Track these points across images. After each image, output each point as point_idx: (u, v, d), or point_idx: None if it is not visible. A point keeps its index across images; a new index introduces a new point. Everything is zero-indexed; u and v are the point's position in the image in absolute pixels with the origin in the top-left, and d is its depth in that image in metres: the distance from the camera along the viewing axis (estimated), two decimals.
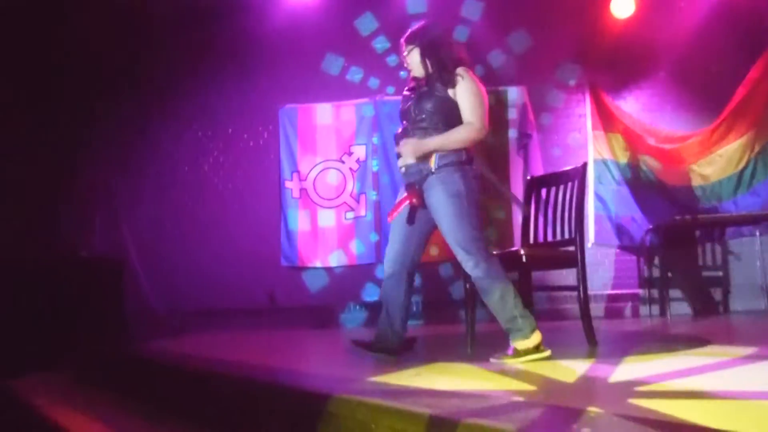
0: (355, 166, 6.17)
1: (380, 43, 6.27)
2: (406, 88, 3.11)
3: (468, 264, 2.84)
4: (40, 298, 4.85)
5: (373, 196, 6.11)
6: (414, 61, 2.99)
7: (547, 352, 2.82)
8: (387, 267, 3.04)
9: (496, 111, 6.08)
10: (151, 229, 6.22)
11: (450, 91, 2.92)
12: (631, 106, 6.06)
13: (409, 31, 3.09)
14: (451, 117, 2.89)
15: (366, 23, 6.26)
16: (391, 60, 6.25)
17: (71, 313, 4.97)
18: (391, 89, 6.24)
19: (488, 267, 2.82)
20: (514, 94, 6.08)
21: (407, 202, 2.93)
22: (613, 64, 5.89)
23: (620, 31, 5.84)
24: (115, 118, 6.19)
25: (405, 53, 3.04)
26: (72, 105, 5.80)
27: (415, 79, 3.05)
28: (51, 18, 5.46)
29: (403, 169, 2.97)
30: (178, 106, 6.33)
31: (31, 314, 4.72)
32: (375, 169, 6.13)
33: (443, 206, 2.84)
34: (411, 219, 2.91)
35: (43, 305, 4.83)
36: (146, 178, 6.35)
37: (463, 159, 2.88)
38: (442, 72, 2.92)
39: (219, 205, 6.32)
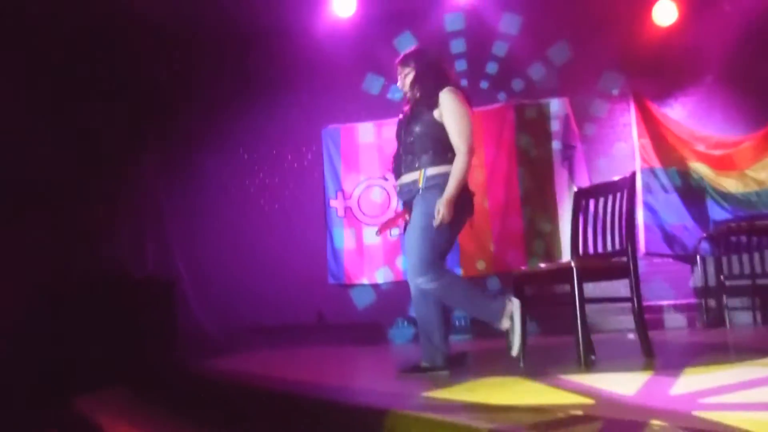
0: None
1: None
2: (401, 112, 3.23)
3: (419, 279, 2.95)
4: (97, 317, 5.00)
5: None
6: (407, 84, 3.16)
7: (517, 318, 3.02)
8: (410, 285, 3.14)
9: (539, 123, 6.06)
10: (201, 250, 6.37)
11: (435, 112, 3.03)
12: (677, 113, 5.95)
13: (404, 54, 3.22)
14: (438, 139, 3.01)
15: (405, 42, 6.29)
16: None
17: (126, 332, 5.11)
18: None
19: (441, 284, 2.95)
20: (556, 105, 6.05)
21: (402, 219, 3.15)
22: (658, 71, 5.80)
23: (663, 38, 5.77)
24: (165, 143, 6.39)
25: (401, 75, 3.18)
26: (124, 131, 6.00)
27: (408, 101, 3.21)
28: (103, 44, 5.67)
29: (398, 188, 3.15)
30: (224, 130, 6.49)
31: (89, 333, 4.86)
32: None
33: (416, 220, 2.99)
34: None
35: (100, 325, 4.97)
36: (195, 200, 6.52)
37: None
38: (427, 95, 3.06)
39: (266, 225, 6.43)
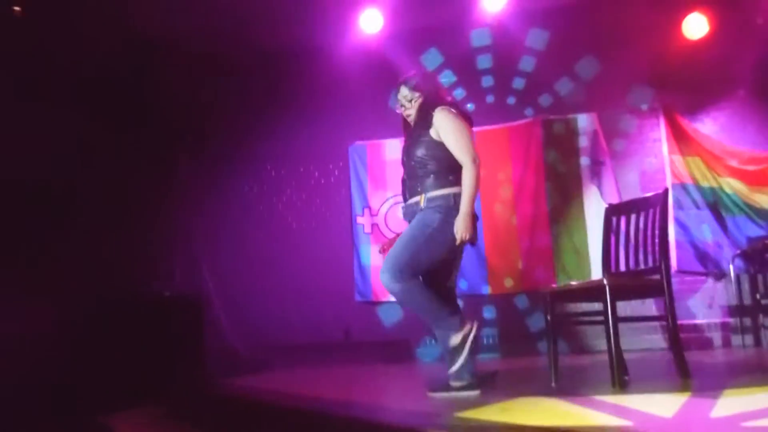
0: None
1: (446, 78, 6.33)
2: (406, 134, 3.26)
3: (385, 276, 2.95)
4: (127, 336, 5.04)
5: None
6: (415, 108, 3.16)
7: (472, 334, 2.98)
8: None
9: (567, 139, 6.01)
10: (229, 268, 6.40)
11: (432, 132, 3.05)
12: (709, 128, 5.86)
13: (412, 78, 3.22)
14: (439, 160, 3.04)
15: (431, 58, 6.35)
16: (457, 93, 6.30)
17: (155, 350, 5.14)
18: None
19: (403, 287, 2.94)
20: (584, 121, 5.99)
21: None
22: (688, 85, 5.72)
23: (694, 51, 5.69)
24: (194, 161, 6.47)
25: (406, 99, 3.17)
26: (155, 151, 6.10)
27: (407, 125, 3.24)
28: (136, 68, 5.79)
29: (403, 208, 3.22)
30: (252, 148, 6.55)
31: (120, 352, 4.90)
32: None
33: (409, 228, 3.04)
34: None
35: (130, 343, 5.01)
36: (223, 218, 6.57)
37: (451, 204, 3.01)
38: (422, 117, 3.09)
39: (293, 242, 6.45)
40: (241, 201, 6.61)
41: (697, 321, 5.55)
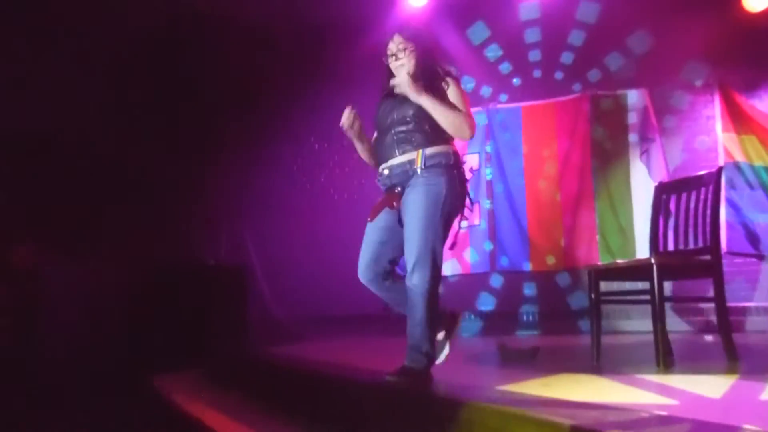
0: (468, 175, 6.10)
1: (492, 52, 6.24)
2: (383, 95, 2.86)
3: (414, 275, 2.57)
4: (173, 302, 5.21)
5: (486, 204, 6.06)
6: (404, 63, 2.72)
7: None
8: (367, 282, 2.83)
9: (615, 115, 5.87)
10: (272, 239, 6.50)
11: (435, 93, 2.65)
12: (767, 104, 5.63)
13: (407, 27, 2.87)
14: (434, 123, 2.62)
15: (478, 32, 6.25)
16: (504, 67, 6.20)
17: (200, 316, 5.30)
18: (503, 97, 6.19)
19: (432, 289, 2.57)
20: (634, 97, 5.83)
21: (387, 206, 2.71)
22: (746, 60, 5.48)
23: (754, 25, 5.44)
24: (240, 134, 6.54)
25: (399, 49, 2.73)
26: (204, 124, 6.20)
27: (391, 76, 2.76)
28: (186, 43, 5.87)
29: (386, 171, 2.72)
30: (297, 121, 6.58)
31: (166, 317, 5.07)
32: (488, 177, 6.09)
33: (418, 206, 2.58)
34: (400, 222, 2.67)
35: (176, 309, 5.17)
36: (267, 191, 6.65)
37: (451, 162, 2.63)
38: (425, 76, 2.69)
39: (335, 214, 6.49)
40: (285, 174, 6.67)
41: (747, 303, 5.40)
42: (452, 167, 2.63)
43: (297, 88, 6.52)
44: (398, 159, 2.68)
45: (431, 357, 2.63)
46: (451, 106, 2.63)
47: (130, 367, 4.22)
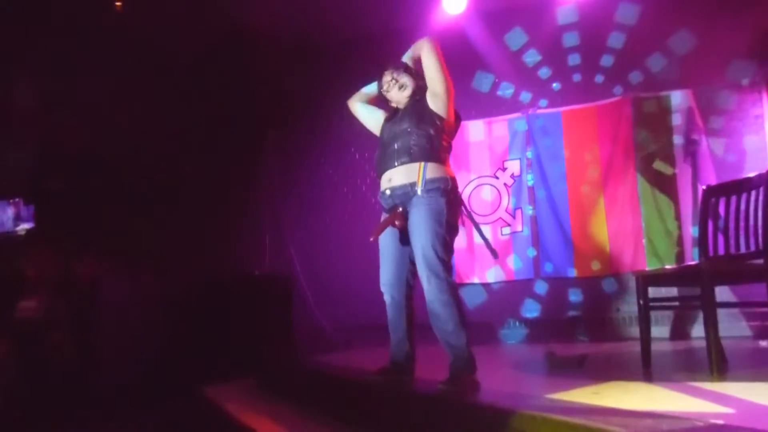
0: (510, 182, 6.13)
1: (531, 57, 6.21)
2: (386, 117, 3.15)
3: (431, 288, 2.74)
4: (222, 313, 5.32)
5: (529, 210, 6.03)
6: (404, 95, 3.07)
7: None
8: (385, 294, 3.04)
9: (659, 117, 5.77)
10: (315, 249, 6.59)
11: (427, 95, 2.98)
12: None
13: (395, 62, 3.19)
14: (431, 138, 2.88)
15: (515, 38, 6.24)
16: (543, 72, 6.17)
17: (249, 326, 5.40)
18: (543, 102, 6.15)
19: (450, 297, 2.73)
20: (678, 98, 5.73)
21: (390, 225, 2.90)
22: None
23: None
24: (282, 146, 6.67)
25: (392, 83, 3.10)
26: (247, 137, 6.34)
27: (391, 104, 3.13)
28: (226, 58, 6.02)
29: (388, 192, 2.91)
30: (335, 132, 6.67)
31: (215, 328, 5.18)
32: (530, 183, 6.05)
33: (420, 225, 2.76)
34: (404, 240, 2.89)
35: (226, 319, 5.29)
36: (309, 201, 6.76)
37: (449, 187, 2.82)
38: (417, 87, 3.04)
39: (377, 222, 6.53)
40: (326, 184, 6.77)
41: None
42: (450, 192, 2.82)
43: (336, 99, 6.59)
44: (397, 170, 2.87)
45: (474, 361, 2.76)
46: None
47: (183, 378, 4.34)
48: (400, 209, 2.85)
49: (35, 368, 4.10)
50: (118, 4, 5.54)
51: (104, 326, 4.52)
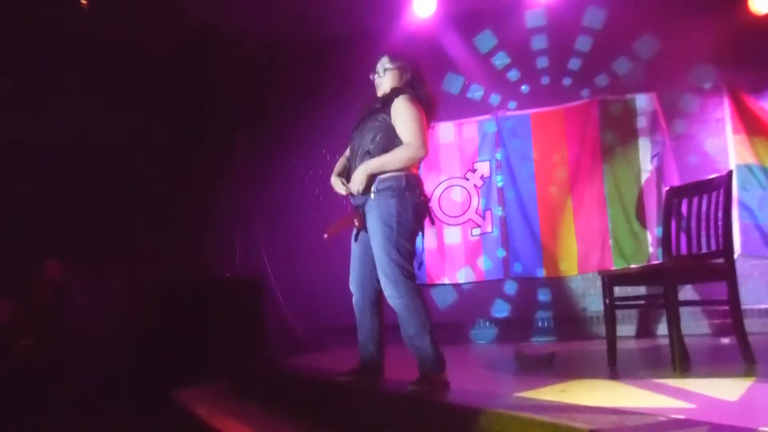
0: (480, 183, 6.19)
1: (500, 60, 6.29)
2: (360, 113, 3.11)
3: (389, 293, 2.76)
4: (193, 316, 5.27)
5: (498, 211, 6.10)
6: (382, 82, 3.07)
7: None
8: (353, 293, 3.06)
9: (625, 120, 5.89)
10: (286, 251, 6.56)
11: (392, 116, 2.88)
12: None
13: (397, 52, 3.15)
14: (391, 142, 2.84)
15: (485, 40, 6.31)
16: (512, 75, 6.25)
17: (219, 329, 5.35)
18: (512, 104, 6.23)
19: (409, 300, 2.72)
20: (643, 101, 5.86)
21: (350, 223, 2.95)
22: (755, 62, 5.50)
23: (761, 27, 5.47)
24: (252, 147, 6.63)
25: (383, 68, 3.08)
26: (216, 138, 6.29)
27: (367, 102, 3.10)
28: (196, 59, 5.97)
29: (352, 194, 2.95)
30: (306, 133, 6.66)
31: (186, 331, 5.13)
32: (500, 184, 6.12)
33: (374, 230, 2.80)
34: (356, 238, 2.97)
35: (196, 322, 5.23)
36: (280, 203, 6.73)
37: (403, 185, 2.79)
38: (387, 99, 2.95)
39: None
40: (297, 186, 6.75)
41: (763, 306, 5.40)
42: (404, 189, 2.79)
43: (306, 101, 6.61)
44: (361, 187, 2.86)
45: (442, 361, 2.74)
46: (395, 150, 2.80)
47: (152, 382, 4.29)
48: (361, 210, 2.89)
49: (4, 373, 4.01)
50: (83, 2, 5.45)
51: (73, 330, 4.45)
